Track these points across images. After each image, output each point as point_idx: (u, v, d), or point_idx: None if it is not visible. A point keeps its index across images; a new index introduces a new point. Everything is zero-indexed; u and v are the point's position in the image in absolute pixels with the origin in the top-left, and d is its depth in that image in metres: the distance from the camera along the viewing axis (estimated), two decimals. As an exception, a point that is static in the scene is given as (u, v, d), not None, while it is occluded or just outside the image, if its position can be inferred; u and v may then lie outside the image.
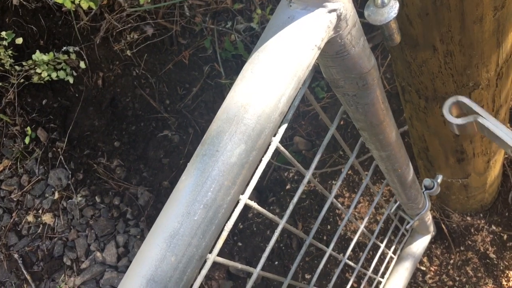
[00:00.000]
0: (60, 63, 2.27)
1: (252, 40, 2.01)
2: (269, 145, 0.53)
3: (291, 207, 0.66)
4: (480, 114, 0.51)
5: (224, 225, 0.45)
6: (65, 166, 2.31)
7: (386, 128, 0.71)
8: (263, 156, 0.47)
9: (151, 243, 0.39)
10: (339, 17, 0.44)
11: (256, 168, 0.48)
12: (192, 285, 0.42)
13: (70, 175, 2.29)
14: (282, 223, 0.66)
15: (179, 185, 0.40)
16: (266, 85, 0.41)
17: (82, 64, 2.27)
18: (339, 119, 0.68)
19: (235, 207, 0.48)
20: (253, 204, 0.57)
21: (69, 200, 2.27)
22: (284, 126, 0.55)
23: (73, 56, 2.28)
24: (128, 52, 2.22)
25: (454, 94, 0.92)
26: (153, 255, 0.38)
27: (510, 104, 1.15)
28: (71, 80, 2.30)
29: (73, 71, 2.32)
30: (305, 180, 0.67)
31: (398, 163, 0.85)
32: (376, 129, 0.70)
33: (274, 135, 0.51)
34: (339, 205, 0.87)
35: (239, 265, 0.60)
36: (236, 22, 2.04)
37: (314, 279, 0.89)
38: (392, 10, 0.52)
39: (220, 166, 0.40)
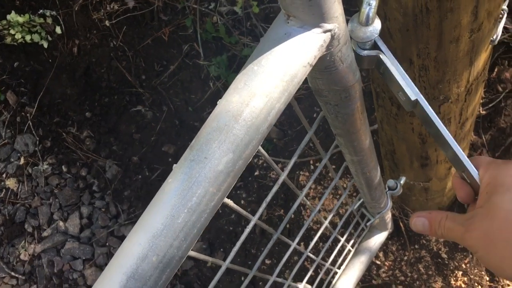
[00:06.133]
0: (35, 26, 2.21)
1: (233, 24, 2.00)
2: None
3: (264, 205, 0.68)
4: (383, 52, 0.57)
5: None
6: (33, 132, 2.27)
7: (362, 135, 0.74)
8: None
9: (134, 242, 0.40)
10: (332, 37, 0.46)
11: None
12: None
13: (37, 142, 2.25)
14: (254, 220, 0.68)
15: (165, 187, 0.42)
16: (258, 98, 0.42)
17: (58, 30, 2.22)
18: (318, 124, 0.70)
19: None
20: (229, 202, 0.59)
21: (35, 167, 2.23)
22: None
23: (49, 20, 2.22)
24: (107, 23, 2.18)
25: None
26: (135, 253, 0.40)
27: (475, 117, 1.20)
28: (45, 45, 2.25)
29: (48, 36, 2.26)
30: (280, 181, 0.69)
31: (368, 167, 0.89)
32: (352, 136, 0.73)
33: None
34: (308, 203, 0.90)
35: (210, 259, 0.63)
36: (220, 4, 2.02)
37: (278, 270, 0.92)
38: (374, 30, 0.54)
39: (207, 173, 0.41)
